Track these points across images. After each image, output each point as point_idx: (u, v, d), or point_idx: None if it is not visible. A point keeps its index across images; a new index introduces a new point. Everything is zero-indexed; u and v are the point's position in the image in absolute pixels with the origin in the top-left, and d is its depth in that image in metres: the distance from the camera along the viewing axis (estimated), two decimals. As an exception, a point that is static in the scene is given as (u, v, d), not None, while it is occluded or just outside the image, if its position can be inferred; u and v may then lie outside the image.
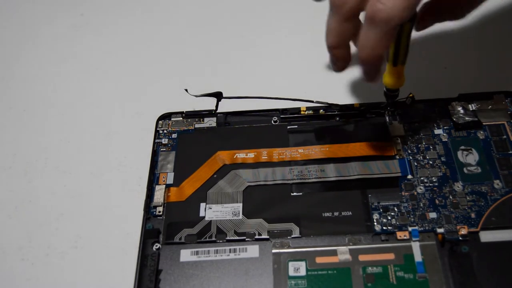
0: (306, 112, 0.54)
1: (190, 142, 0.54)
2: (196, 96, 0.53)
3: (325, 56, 0.62)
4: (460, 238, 0.45)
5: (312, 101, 0.53)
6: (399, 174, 0.49)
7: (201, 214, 0.49)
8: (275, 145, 0.52)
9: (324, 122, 0.54)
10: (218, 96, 0.54)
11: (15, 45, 0.69)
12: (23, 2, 0.74)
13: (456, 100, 0.53)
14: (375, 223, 0.47)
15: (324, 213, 0.48)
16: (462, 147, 0.50)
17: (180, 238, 0.47)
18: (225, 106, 0.57)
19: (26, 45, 0.68)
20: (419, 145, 0.51)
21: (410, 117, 0.53)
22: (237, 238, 0.47)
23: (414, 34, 0.63)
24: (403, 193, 0.48)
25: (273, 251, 0.46)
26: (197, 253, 0.46)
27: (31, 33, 0.70)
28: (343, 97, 0.56)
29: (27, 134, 0.59)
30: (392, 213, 0.47)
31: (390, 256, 0.45)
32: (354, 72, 0.60)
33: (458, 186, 0.48)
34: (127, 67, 0.64)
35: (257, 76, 0.61)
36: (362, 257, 0.45)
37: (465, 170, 0.49)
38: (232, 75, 0.62)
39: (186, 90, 0.53)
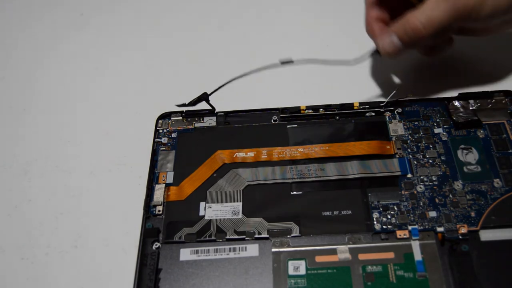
0: (306, 111, 0.54)
1: (190, 141, 0.54)
2: (186, 105, 0.53)
3: (325, 55, 0.62)
4: (460, 237, 0.45)
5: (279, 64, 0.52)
6: (399, 173, 0.49)
7: (201, 213, 0.49)
8: (275, 144, 0.52)
9: (324, 121, 0.54)
10: (205, 97, 0.54)
11: (15, 45, 0.69)
12: (23, 2, 0.74)
13: (456, 99, 0.53)
14: (375, 222, 0.47)
15: (324, 212, 0.48)
16: (462, 146, 0.50)
17: (180, 237, 0.47)
18: (225, 106, 0.57)
19: (26, 45, 0.68)
20: (419, 144, 0.51)
21: (410, 116, 0.53)
22: (237, 237, 0.47)
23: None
24: (403, 192, 0.48)
25: (273, 250, 0.46)
26: (196, 252, 0.46)
27: (31, 33, 0.70)
28: (343, 97, 0.56)
29: (27, 133, 0.59)
30: (392, 212, 0.47)
31: (390, 255, 0.45)
32: (354, 72, 0.60)
33: (458, 185, 0.48)
34: (127, 67, 0.64)
35: (257, 75, 0.61)
36: (361, 256, 0.45)
37: (465, 169, 0.49)
38: (232, 74, 0.62)
39: (183, 104, 0.53)
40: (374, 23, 0.52)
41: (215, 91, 0.54)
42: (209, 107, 0.55)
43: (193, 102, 0.53)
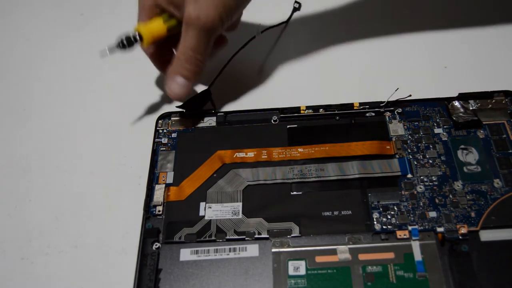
0: (306, 111, 0.54)
1: (190, 141, 0.54)
2: (189, 107, 0.54)
3: (325, 55, 0.62)
4: (460, 237, 0.45)
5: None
6: (399, 173, 0.49)
7: (201, 213, 0.49)
8: (275, 144, 0.52)
9: (324, 121, 0.54)
10: (208, 94, 0.54)
11: (15, 45, 0.69)
12: (23, 2, 0.74)
13: (456, 99, 0.53)
14: (375, 222, 0.47)
15: (324, 212, 0.48)
16: (462, 146, 0.50)
17: (180, 238, 0.47)
18: (225, 106, 0.57)
19: (26, 45, 0.68)
20: (419, 144, 0.51)
21: (410, 116, 0.53)
22: (237, 237, 0.47)
23: (413, 32, 0.63)
24: (403, 192, 0.48)
25: (273, 250, 0.46)
26: (196, 252, 0.46)
27: (31, 33, 0.70)
28: (343, 97, 0.56)
29: (27, 133, 0.59)
30: (392, 212, 0.47)
31: (390, 255, 0.45)
32: (353, 73, 0.60)
33: (458, 185, 0.48)
34: (127, 67, 0.64)
35: (257, 75, 0.61)
36: (362, 256, 0.45)
37: (465, 169, 0.49)
38: (232, 73, 0.62)
39: (180, 107, 0.54)
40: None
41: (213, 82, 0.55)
42: (212, 106, 0.55)
43: (197, 104, 0.55)
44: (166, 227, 0.48)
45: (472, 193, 0.48)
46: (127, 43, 0.51)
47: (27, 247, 0.50)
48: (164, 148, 0.53)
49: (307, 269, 0.45)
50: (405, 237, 0.45)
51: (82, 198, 0.53)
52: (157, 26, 0.51)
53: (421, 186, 0.48)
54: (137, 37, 0.51)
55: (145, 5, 0.52)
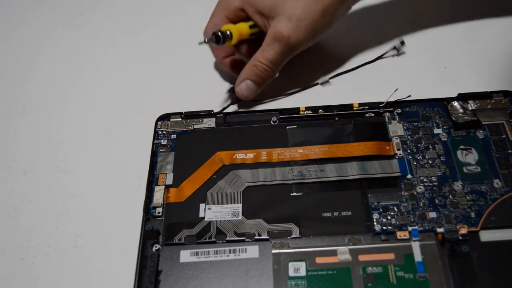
0: (305, 112, 0.54)
1: (189, 142, 0.53)
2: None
3: (325, 56, 0.62)
4: (460, 237, 0.45)
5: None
6: (399, 174, 0.49)
7: (201, 214, 0.49)
8: (275, 145, 0.52)
9: (323, 122, 0.54)
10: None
11: (15, 45, 0.69)
12: (23, 2, 0.74)
13: (456, 99, 0.53)
14: (375, 223, 0.47)
15: (324, 213, 0.48)
16: (462, 147, 0.50)
17: (180, 239, 0.47)
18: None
19: (26, 45, 0.68)
20: (419, 145, 0.51)
21: (409, 116, 0.53)
22: (237, 238, 0.47)
23: (413, 32, 0.63)
24: (402, 193, 0.48)
25: (273, 251, 0.46)
26: (196, 253, 0.46)
27: (31, 33, 0.70)
28: (343, 97, 0.56)
29: (27, 133, 0.59)
30: (392, 213, 0.47)
31: (390, 256, 0.45)
32: (353, 73, 0.60)
33: (458, 185, 0.48)
34: (127, 67, 0.64)
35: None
36: (362, 257, 0.45)
37: (464, 169, 0.49)
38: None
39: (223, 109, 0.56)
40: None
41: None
42: (212, 108, 0.56)
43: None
44: (166, 229, 0.48)
45: (472, 194, 0.48)
46: (222, 37, 0.53)
47: (27, 247, 0.50)
48: (164, 149, 0.53)
49: (307, 270, 0.45)
50: (405, 237, 0.46)
51: (82, 198, 0.53)
52: (244, 30, 0.56)
53: (421, 187, 0.48)
54: (229, 34, 0.54)
55: (230, 6, 0.55)
